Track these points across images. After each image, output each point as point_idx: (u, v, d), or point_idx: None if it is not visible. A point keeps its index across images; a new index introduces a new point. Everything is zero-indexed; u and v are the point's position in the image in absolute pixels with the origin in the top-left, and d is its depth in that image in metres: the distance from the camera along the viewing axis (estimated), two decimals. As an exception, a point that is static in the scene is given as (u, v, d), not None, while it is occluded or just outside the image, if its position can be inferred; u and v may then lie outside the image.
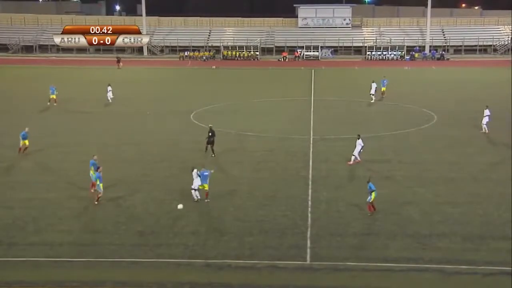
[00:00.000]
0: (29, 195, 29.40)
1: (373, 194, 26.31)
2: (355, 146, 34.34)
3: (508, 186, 29.90)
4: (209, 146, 36.33)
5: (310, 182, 31.12)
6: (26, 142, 36.63)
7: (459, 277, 21.03)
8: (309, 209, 27.28)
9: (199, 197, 28.28)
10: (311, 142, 39.64)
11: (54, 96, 53.85)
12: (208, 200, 28.25)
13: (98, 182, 27.98)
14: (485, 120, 41.88)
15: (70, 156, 36.44)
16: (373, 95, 54.83)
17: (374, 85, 54.83)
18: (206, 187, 28.34)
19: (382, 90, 56.67)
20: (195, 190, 28.30)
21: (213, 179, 31.29)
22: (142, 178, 32.12)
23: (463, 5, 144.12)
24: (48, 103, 53.26)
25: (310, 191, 29.75)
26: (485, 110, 42.18)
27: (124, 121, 47.05)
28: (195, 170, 28.52)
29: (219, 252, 22.83)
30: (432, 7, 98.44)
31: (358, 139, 34.57)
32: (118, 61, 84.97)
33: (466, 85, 66.81)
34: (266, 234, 24.55)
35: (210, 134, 36.25)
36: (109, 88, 56.43)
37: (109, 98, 55.75)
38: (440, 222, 25.72)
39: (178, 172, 32.64)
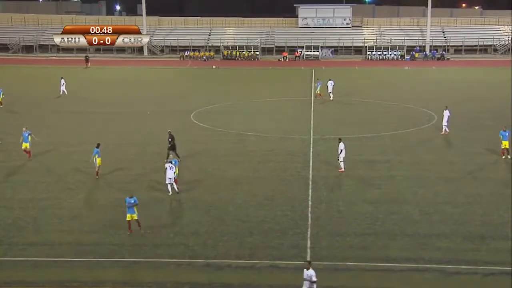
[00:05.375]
0: (29, 195, 29.42)
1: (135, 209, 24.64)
2: (338, 151, 32.56)
3: (508, 186, 29.91)
4: (170, 152, 34.66)
5: (310, 182, 31.12)
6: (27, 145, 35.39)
7: (459, 277, 21.03)
8: (309, 209, 27.28)
9: (170, 192, 29.21)
10: (311, 142, 39.63)
11: (0, 99, 52.75)
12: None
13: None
14: (445, 120, 41.35)
15: (71, 156, 36.44)
16: (331, 93, 56.16)
17: (331, 83, 56.37)
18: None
19: (317, 92, 56.58)
20: (168, 184, 29.13)
21: (213, 179, 31.39)
22: (142, 178, 32.13)
23: (463, 5, 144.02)
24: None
25: (310, 191, 29.75)
26: (444, 111, 41.66)
27: (124, 121, 47.05)
28: (167, 164, 29.27)
29: (219, 252, 22.84)
30: (432, 7, 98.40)
31: (340, 142, 32.80)
32: (87, 61, 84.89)
33: (466, 85, 66.78)
34: (266, 234, 24.54)
35: (170, 139, 34.90)
36: (62, 81, 58.13)
37: (61, 91, 57.81)
38: (440, 222, 25.72)
39: (178, 172, 32.58)
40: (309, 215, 26.56)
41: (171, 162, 29.56)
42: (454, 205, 27.74)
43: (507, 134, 35.15)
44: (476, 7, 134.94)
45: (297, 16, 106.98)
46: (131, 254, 22.71)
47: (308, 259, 20.44)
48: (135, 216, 24.51)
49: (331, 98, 55.88)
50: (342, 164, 32.55)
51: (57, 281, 20.78)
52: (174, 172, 29.30)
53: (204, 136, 41.75)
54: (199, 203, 28.23)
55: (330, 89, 56.29)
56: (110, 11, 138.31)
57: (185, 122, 46.43)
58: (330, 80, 57.20)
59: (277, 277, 21.10)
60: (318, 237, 24.21)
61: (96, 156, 31.74)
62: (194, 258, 22.38)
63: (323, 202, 28.22)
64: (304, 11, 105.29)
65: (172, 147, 34.73)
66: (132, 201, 24.58)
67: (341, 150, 32.40)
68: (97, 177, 31.85)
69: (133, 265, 21.91)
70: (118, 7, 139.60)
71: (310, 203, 28.02)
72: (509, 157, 35.06)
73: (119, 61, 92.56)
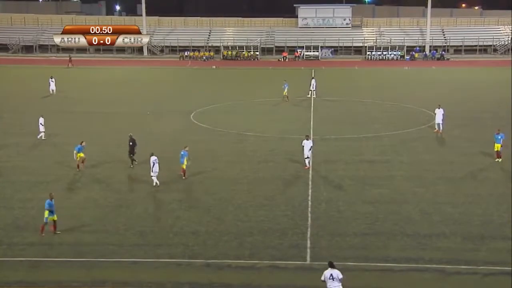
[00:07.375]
0: (29, 195, 29.40)
1: (46, 213, 24.25)
2: (307, 149, 32.98)
3: (508, 186, 29.90)
4: (132, 156, 34.10)
5: (310, 182, 31.12)
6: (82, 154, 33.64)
7: (459, 277, 21.02)
8: (309, 209, 27.27)
9: (154, 183, 30.30)
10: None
11: None
12: (185, 177, 31.40)
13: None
14: (440, 119, 41.15)
15: (71, 156, 36.38)
16: (314, 91, 57.66)
17: (313, 81, 58.36)
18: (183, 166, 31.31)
19: (284, 94, 55.88)
20: (153, 176, 30.24)
21: (213, 179, 31.42)
22: (141, 178, 32.11)
23: (463, 5, 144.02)
24: None
25: (310, 191, 29.74)
26: (437, 109, 41.47)
27: (124, 121, 47.00)
28: (152, 158, 30.20)
29: (219, 252, 22.83)
30: (432, 7, 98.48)
31: (307, 139, 33.30)
32: (70, 60, 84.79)
33: (466, 85, 66.79)
34: (266, 234, 24.53)
35: (131, 143, 34.13)
36: (52, 81, 58.68)
37: (51, 90, 58.49)
38: (440, 222, 25.72)
39: (177, 172, 32.62)
40: (309, 215, 26.56)
41: (153, 155, 30.45)
42: (454, 205, 27.73)
43: (499, 137, 34.93)
44: (476, 7, 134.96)
45: (297, 16, 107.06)
46: (131, 254, 22.69)
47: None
48: (56, 217, 24.52)
49: (314, 96, 57.11)
50: (307, 161, 33.18)
51: (57, 281, 20.76)
52: (180, 164, 30.99)
53: (204, 136, 41.76)
54: (199, 203, 28.23)
55: (312, 87, 57.68)
56: (110, 11, 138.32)
57: (185, 122, 46.45)
58: (313, 78, 59.06)
59: (277, 277, 21.09)
60: (318, 237, 24.20)
61: (76, 152, 33.07)
62: (193, 258, 22.36)
63: (323, 202, 28.22)
64: (304, 11, 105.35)
65: (131, 151, 33.99)
66: (53, 203, 24.49)
67: (311, 147, 32.97)
68: (78, 170, 33.14)
69: (133, 265, 21.90)
70: (118, 7, 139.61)
71: (310, 203, 28.01)
72: (499, 160, 34.74)
73: (119, 61, 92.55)
